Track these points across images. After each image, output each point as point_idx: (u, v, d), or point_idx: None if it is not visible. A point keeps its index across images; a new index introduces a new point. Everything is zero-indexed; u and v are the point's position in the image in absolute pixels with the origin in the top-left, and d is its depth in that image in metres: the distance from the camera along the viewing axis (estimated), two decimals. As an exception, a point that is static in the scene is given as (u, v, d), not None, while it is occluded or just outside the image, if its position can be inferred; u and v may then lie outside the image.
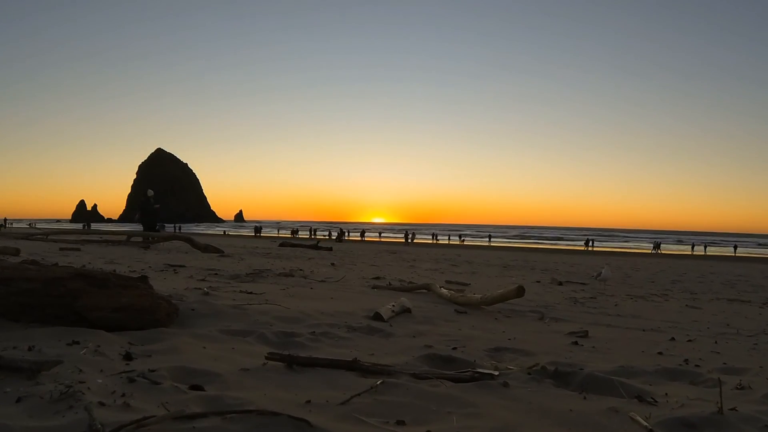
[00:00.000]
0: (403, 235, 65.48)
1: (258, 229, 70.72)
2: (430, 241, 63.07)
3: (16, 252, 12.02)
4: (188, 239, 18.95)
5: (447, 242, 64.37)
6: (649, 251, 57.47)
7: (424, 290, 8.70)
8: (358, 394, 2.87)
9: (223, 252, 16.61)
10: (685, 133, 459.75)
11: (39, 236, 21.41)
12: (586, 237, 73.11)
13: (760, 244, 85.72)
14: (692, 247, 63.61)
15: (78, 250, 15.01)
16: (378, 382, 3.06)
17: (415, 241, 58.20)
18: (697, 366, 4.26)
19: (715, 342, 5.62)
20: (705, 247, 65.12)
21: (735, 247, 65.39)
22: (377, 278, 10.78)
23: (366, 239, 61.66)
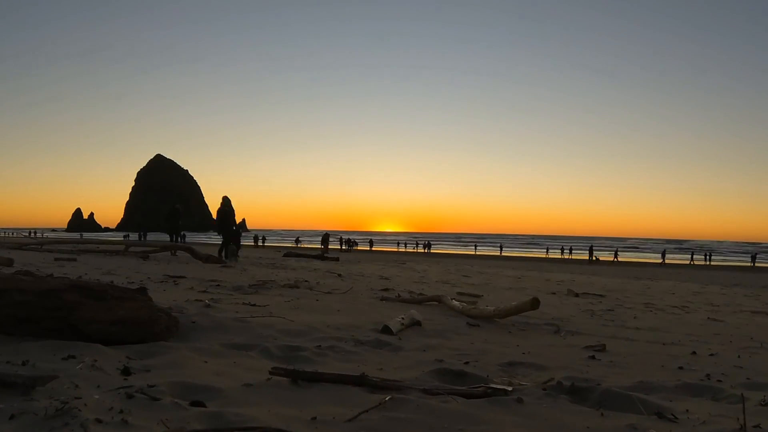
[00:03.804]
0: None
1: (263, 239, 71.95)
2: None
3: (10, 263, 12.06)
4: (189, 249, 18.98)
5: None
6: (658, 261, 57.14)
7: (435, 302, 8.68)
8: (366, 411, 2.87)
9: (226, 262, 16.63)
10: (693, 137, 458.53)
11: (33, 246, 21.48)
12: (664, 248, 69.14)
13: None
14: (706, 257, 62.81)
15: (74, 260, 15.05)
16: (386, 398, 3.05)
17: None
18: (719, 381, 4.23)
19: (738, 356, 5.59)
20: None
21: (754, 257, 64.87)
22: (386, 290, 10.76)
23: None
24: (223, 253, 18.96)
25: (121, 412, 2.64)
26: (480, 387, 3.47)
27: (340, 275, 14.50)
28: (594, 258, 58.63)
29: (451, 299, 8.46)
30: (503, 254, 67.00)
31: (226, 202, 20.68)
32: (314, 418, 2.77)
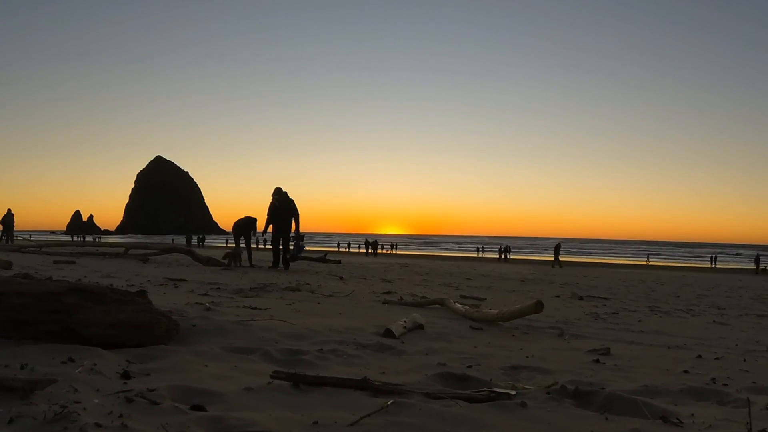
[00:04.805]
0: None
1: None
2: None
3: (8, 265, 12.07)
4: (189, 252, 19.00)
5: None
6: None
7: (438, 305, 8.68)
8: (368, 415, 2.86)
9: (226, 265, 16.64)
10: (699, 138, 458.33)
11: (32, 248, 21.50)
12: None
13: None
14: (713, 260, 62.52)
15: (73, 263, 15.07)
16: (389, 402, 3.05)
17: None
18: (725, 385, 4.23)
19: (744, 360, 5.58)
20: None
21: (757, 260, 64.84)
22: (388, 293, 10.77)
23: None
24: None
25: (121, 416, 2.63)
26: (483, 391, 3.46)
27: (341, 278, 14.51)
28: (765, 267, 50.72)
29: (454, 302, 8.46)
30: (506, 257, 66.96)
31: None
32: (316, 423, 2.76)
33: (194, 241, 78.36)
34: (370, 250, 61.64)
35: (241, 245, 18.62)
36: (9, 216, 36.48)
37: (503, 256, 60.37)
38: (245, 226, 18.66)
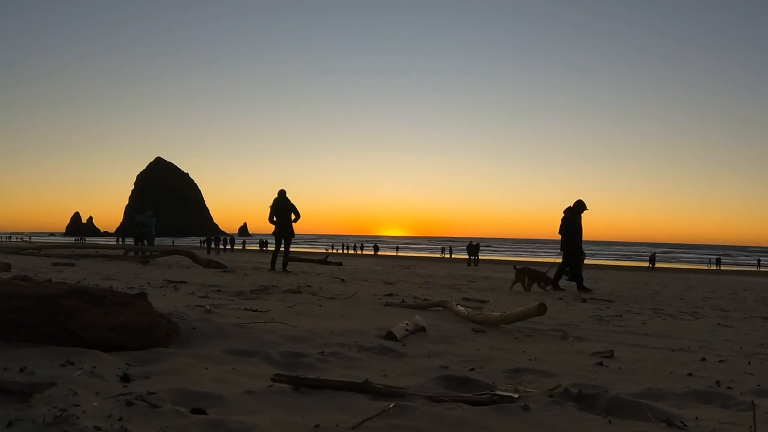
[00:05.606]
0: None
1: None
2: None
3: (7, 267, 12.08)
4: (189, 254, 19.00)
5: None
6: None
7: (440, 308, 8.67)
8: (370, 418, 2.85)
9: (227, 267, 16.64)
10: (700, 140, 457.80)
11: (31, 251, 21.50)
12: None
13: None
14: (717, 261, 62.58)
15: (72, 265, 15.08)
16: (390, 405, 3.04)
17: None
18: (729, 388, 4.22)
19: (749, 363, 5.57)
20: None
21: (759, 261, 65.05)
22: (390, 295, 10.76)
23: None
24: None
25: (121, 419, 2.63)
26: (485, 394, 3.46)
27: (343, 280, 14.50)
28: None
29: (456, 304, 8.45)
30: (508, 258, 66.96)
31: (579, 206, 15.89)
32: (317, 426, 2.76)
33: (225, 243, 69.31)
34: (472, 257, 49.23)
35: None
36: (147, 220, 29.04)
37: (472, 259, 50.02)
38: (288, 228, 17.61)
